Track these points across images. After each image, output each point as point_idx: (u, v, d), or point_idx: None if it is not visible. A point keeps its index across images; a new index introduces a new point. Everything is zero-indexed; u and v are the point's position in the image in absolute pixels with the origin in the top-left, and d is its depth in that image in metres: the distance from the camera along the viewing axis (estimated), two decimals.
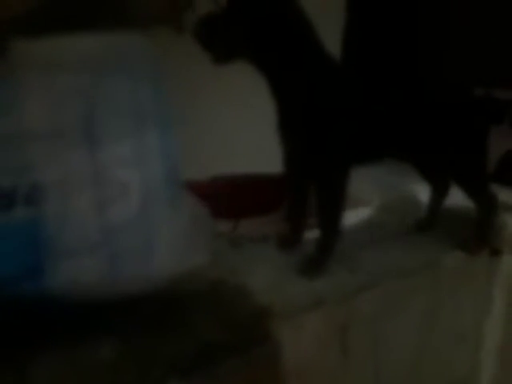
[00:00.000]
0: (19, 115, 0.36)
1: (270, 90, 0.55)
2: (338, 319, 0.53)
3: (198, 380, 0.39)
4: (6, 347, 0.37)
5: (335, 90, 0.56)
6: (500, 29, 0.94)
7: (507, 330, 0.73)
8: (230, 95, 0.81)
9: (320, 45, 0.55)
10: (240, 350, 0.42)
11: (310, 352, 0.51)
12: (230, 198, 0.72)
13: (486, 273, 0.69)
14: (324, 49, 0.56)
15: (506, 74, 0.91)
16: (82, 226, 0.37)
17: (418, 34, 1.08)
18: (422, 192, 0.77)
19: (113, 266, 0.37)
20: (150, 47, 0.41)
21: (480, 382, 0.75)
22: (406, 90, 0.62)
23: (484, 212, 0.66)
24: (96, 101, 0.37)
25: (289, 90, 0.54)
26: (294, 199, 0.63)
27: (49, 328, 0.39)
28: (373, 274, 0.58)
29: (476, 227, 0.67)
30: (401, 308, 0.60)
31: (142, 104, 0.39)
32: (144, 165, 0.39)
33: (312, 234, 0.61)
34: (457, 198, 0.72)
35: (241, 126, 0.85)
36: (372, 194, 0.84)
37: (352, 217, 0.75)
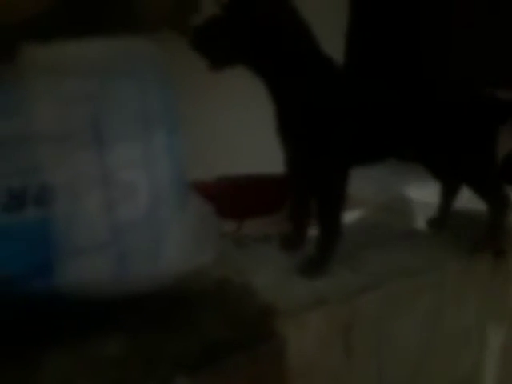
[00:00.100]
0: (29, 117, 0.37)
1: (268, 93, 0.55)
2: (341, 319, 0.54)
3: (204, 377, 0.39)
4: (17, 344, 0.38)
5: (334, 92, 0.56)
6: (503, 29, 0.94)
7: (511, 330, 0.73)
8: (234, 97, 0.82)
9: (317, 47, 0.55)
10: (245, 347, 0.42)
11: (314, 351, 0.52)
12: (234, 198, 0.73)
13: (491, 273, 0.69)
14: (321, 50, 0.55)
15: (510, 74, 0.91)
16: (91, 226, 0.37)
17: (422, 35, 1.08)
18: (423, 191, 0.77)
19: (121, 264, 0.38)
20: (157, 51, 0.41)
21: (484, 382, 0.75)
22: (411, 91, 0.62)
23: (495, 211, 0.65)
24: (104, 103, 0.38)
25: (286, 93, 0.55)
26: (297, 200, 0.64)
27: (58, 325, 0.39)
28: (376, 274, 0.58)
29: (487, 227, 0.66)
30: (404, 308, 0.60)
31: (149, 106, 0.40)
32: (152, 166, 0.40)
33: (316, 234, 0.61)
34: (461, 201, 0.72)
35: (245, 127, 0.86)
36: (373, 194, 0.85)
37: (353, 217, 0.75)
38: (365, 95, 0.58)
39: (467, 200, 0.72)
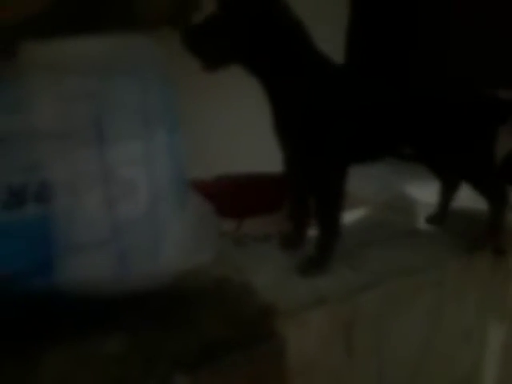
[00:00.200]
0: (29, 115, 0.37)
1: (264, 92, 0.55)
2: (341, 318, 0.54)
3: (203, 375, 0.39)
4: (17, 341, 0.38)
5: (330, 90, 0.55)
6: (503, 29, 0.94)
7: (511, 329, 0.73)
8: (234, 95, 0.82)
9: (313, 45, 0.55)
10: (244, 347, 0.42)
11: (314, 350, 0.52)
12: (233, 197, 0.73)
13: (491, 271, 0.69)
14: (318, 49, 0.55)
15: (510, 74, 0.91)
16: (91, 224, 0.37)
17: (422, 34, 1.08)
18: (423, 190, 0.78)
19: (121, 262, 0.38)
20: (158, 48, 0.41)
21: (484, 381, 0.75)
22: (410, 89, 0.62)
23: (495, 209, 0.65)
24: (105, 101, 0.38)
25: (283, 92, 0.54)
26: (296, 199, 0.63)
27: (58, 322, 0.39)
28: (376, 272, 0.58)
29: (487, 224, 0.66)
30: (405, 306, 0.60)
31: (149, 104, 0.40)
32: (152, 164, 0.40)
33: (316, 233, 0.61)
34: (459, 200, 0.73)
35: (245, 126, 0.86)
36: (374, 193, 0.85)
37: (354, 216, 0.75)
38: (362, 93, 0.57)
39: (467, 199, 0.72)
